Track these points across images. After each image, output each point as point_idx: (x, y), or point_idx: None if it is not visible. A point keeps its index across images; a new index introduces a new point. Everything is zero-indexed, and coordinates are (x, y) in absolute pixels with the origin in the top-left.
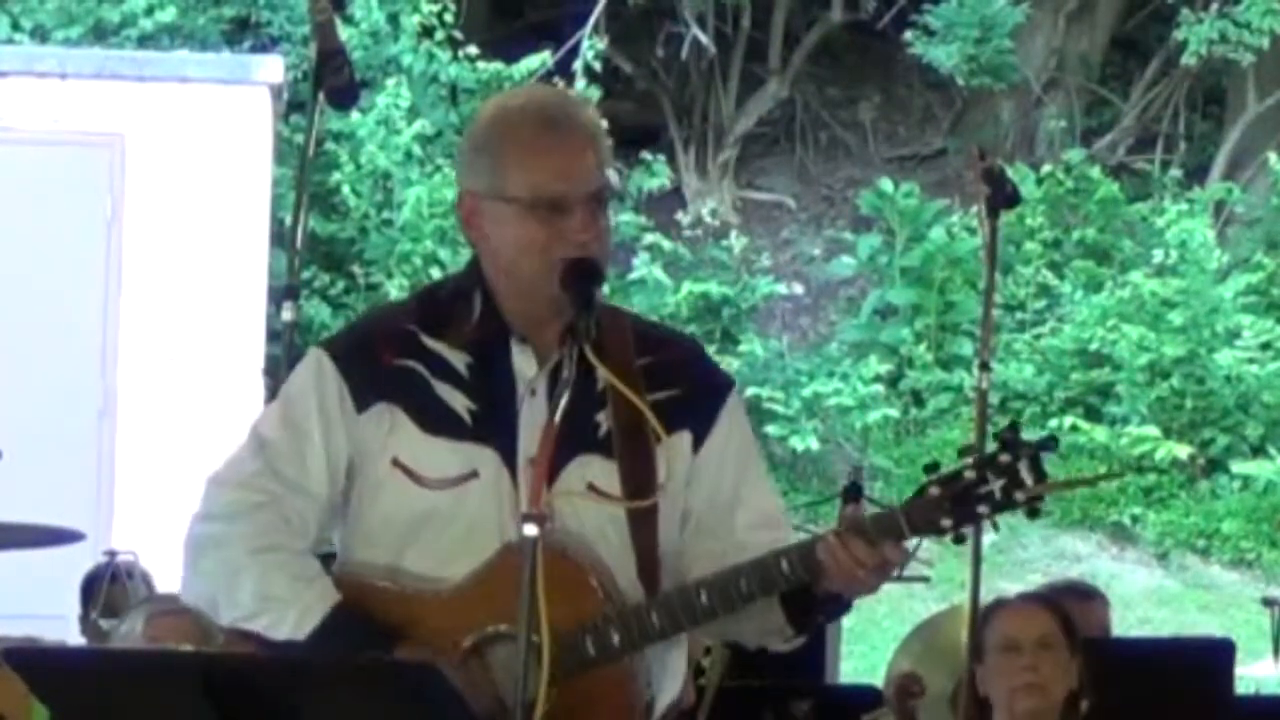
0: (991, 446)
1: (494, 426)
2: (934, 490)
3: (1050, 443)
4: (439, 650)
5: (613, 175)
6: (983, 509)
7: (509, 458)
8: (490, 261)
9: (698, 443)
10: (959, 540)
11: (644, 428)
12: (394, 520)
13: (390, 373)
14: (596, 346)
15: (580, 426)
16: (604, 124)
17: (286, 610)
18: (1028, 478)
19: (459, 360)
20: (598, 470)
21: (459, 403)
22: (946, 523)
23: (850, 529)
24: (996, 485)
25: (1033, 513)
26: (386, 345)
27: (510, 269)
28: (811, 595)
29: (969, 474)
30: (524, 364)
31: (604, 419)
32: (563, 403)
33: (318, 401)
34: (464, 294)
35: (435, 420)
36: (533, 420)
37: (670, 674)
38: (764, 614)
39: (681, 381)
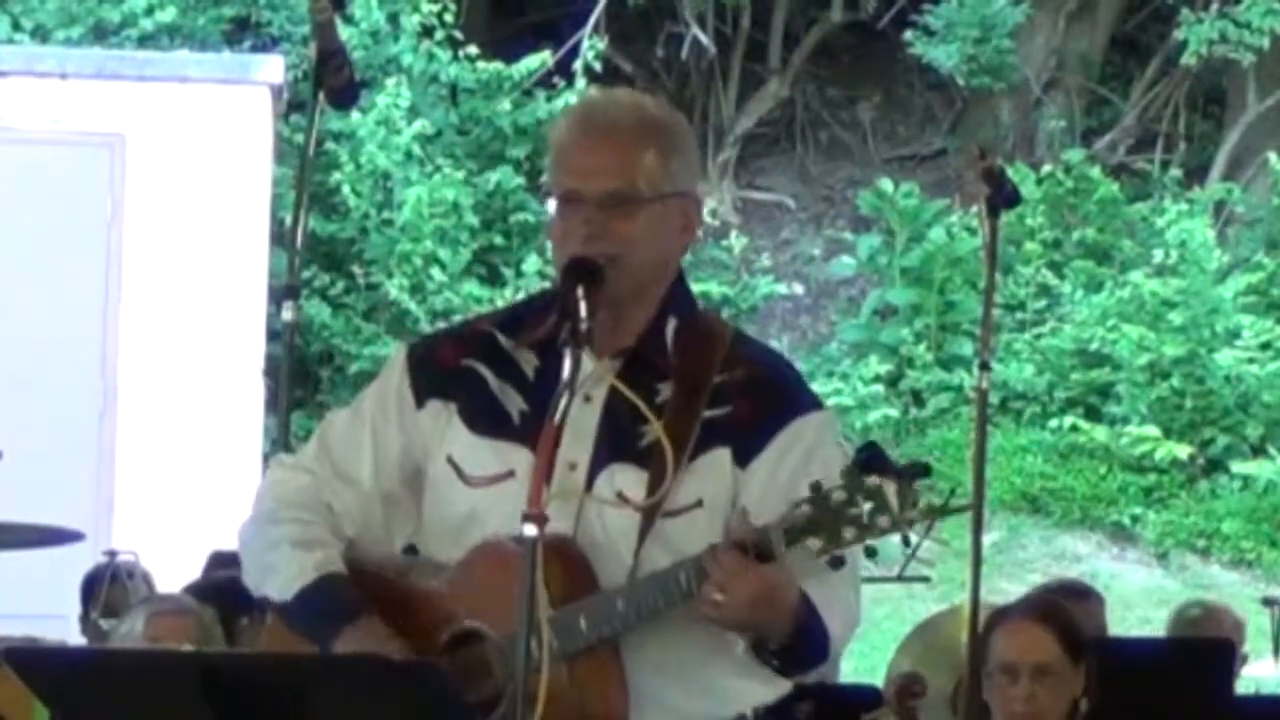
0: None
1: (539, 428)
2: (804, 509)
3: (918, 469)
4: (406, 635)
5: (654, 176)
6: (849, 532)
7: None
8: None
9: (743, 461)
10: (835, 565)
11: (684, 444)
12: (446, 519)
13: (454, 372)
14: (678, 357)
15: (623, 434)
16: (678, 135)
17: (281, 575)
18: (894, 501)
19: (528, 362)
20: (630, 479)
21: (514, 404)
22: (814, 544)
23: (731, 543)
24: (864, 509)
25: (904, 540)
26: (458, 345)
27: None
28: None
29: (838, 495)
30: (586, 369)
31: (649, 430)
32: (561, 405)
33: (379, 393)
34: (553, 299)
35: (484, 420)
36: (580, 425)
37: (666, 705)
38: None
39: (740, 400)
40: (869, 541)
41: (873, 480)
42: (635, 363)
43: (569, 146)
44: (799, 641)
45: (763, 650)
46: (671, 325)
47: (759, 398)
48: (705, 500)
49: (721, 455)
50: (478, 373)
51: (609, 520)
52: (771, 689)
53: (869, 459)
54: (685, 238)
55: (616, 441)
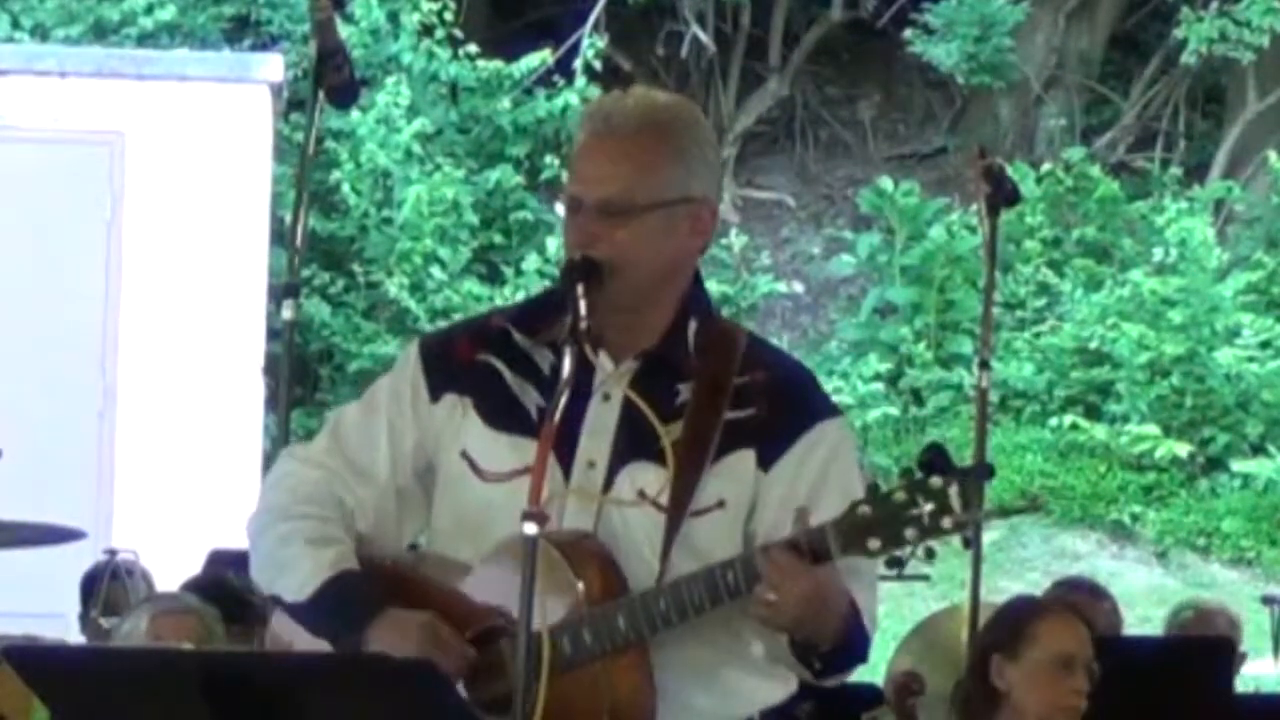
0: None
1: (558, 425)
2: (864, 509)
3: (984, 471)
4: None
5: (653, 183)
6: (910, 533)
7: (565, 457)
8: None
9: (766, 464)
10: (893, 565)
11: (708, 445)
12: (460, 513)
13: (469, 366)
14: (699, 358)
15: (642, 433)
16: (687, 138)
17: (295, 573)
18: (956, 504)
19: (544, 359)
20: (649, 477)
21: (531, 399)
22: (874, 544)
23: (786, 542)
24: (925, 509)
25: (965, 541)
26: (472, 340)
27: None
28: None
29: (899, 495)
30: (606, 370)
31: (668, 430)
32: (561, 402)
33: (393, 387)
34: (564, 296)
35: (501, 415)
36: (599, 424)
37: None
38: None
39: (763, 402)
40: (931, 542)
41: (935, 481)
42: (655, 364)
43: (579, 151)
44: (845, 644)
45: (809, 652)
46: (692, 327)
47: (780, 401)
48: (728, 501)
49: (746, 457)
50: (494, 368)
51: (630, 518)
52: (780, 688)
53: (932, 460)
54: (696, 241)
55: (635, 440)
